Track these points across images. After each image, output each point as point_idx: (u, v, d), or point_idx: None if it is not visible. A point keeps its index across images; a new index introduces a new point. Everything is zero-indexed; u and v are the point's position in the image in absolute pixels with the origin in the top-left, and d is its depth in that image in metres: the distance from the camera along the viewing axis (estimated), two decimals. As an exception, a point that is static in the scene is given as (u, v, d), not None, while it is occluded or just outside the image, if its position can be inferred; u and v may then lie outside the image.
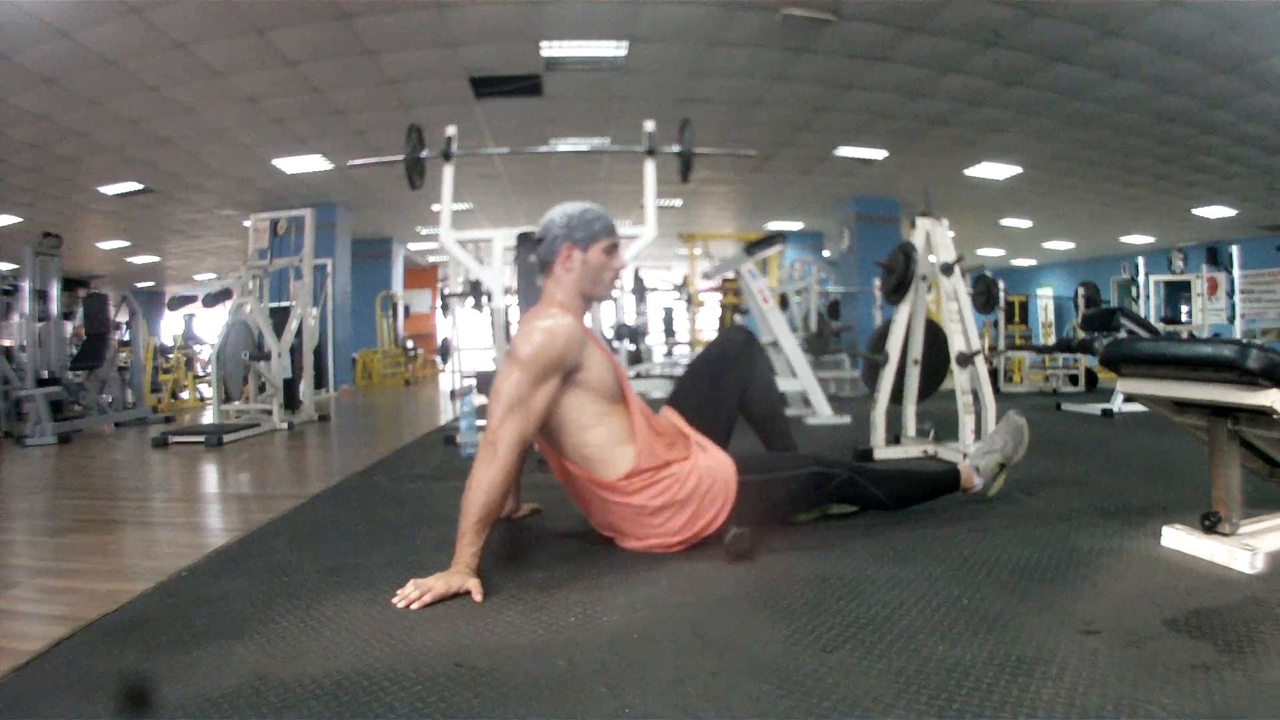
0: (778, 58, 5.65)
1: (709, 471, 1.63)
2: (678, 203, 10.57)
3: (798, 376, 4.52)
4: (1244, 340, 1.52)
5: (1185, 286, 9.58)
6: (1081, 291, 6.43)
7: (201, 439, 4.02)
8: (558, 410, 1.55)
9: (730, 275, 6.16)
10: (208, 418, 5.67)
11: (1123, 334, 4.55)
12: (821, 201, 10.44)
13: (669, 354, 10.23)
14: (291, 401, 5.09)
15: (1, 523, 2.38)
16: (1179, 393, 1.55)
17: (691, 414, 1.84)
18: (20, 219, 9.02)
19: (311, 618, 1.30)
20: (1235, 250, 8.19)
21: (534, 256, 1.69)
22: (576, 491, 1.69)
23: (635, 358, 7.96)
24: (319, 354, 6.14)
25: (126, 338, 5.92)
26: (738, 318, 8.21)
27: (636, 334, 8.47)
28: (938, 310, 5.02)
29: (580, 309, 1.66)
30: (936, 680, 1.00)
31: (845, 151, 8.06)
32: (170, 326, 13.81)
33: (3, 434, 4.61)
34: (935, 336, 3.18)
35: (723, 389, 1.91)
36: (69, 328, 5.55)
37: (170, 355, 8.81)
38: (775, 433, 2.02)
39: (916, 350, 3.10)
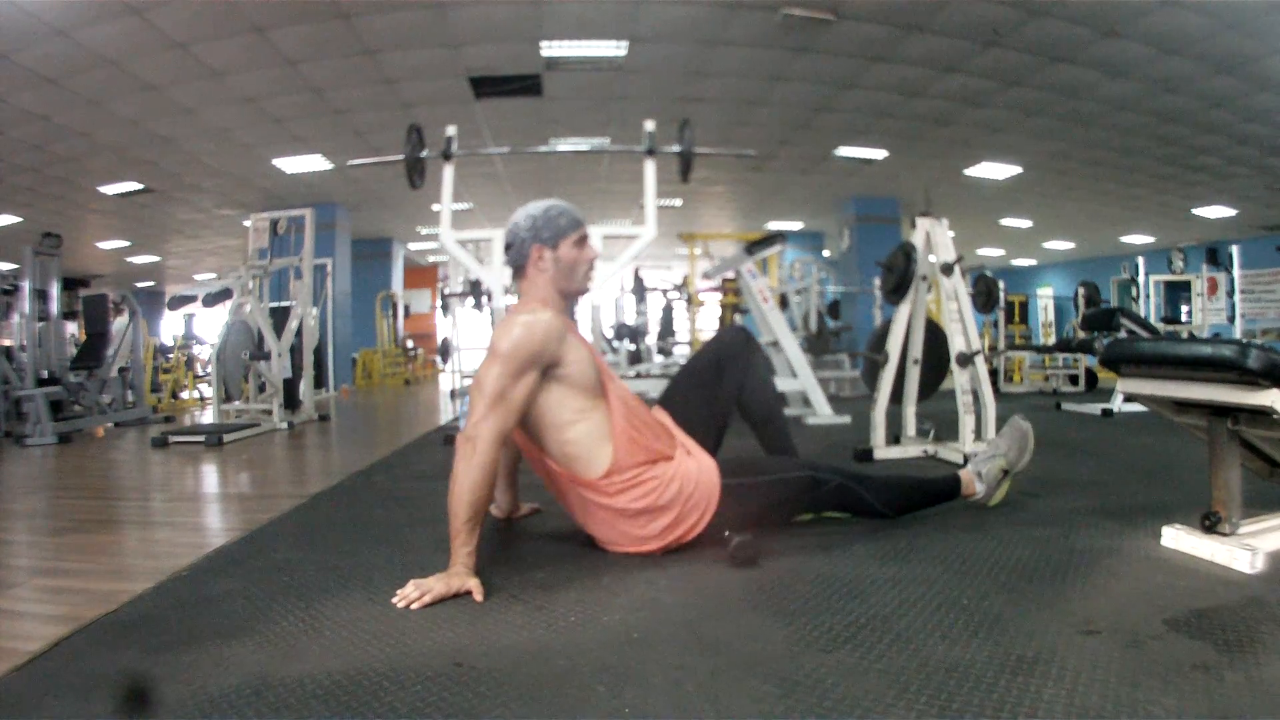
0: (778, 58, 5.65)
1: (691, 475, 1.60)
2: (678, 203, 10.57)
3: (798, 376, 4.52)
4: (1244, 340, 1.52)
5: (1185, 286, 9.60)
6: (1081, 291, 6.43)
7: (201, 439, 4.02)
8: (539, 406, 1.54)
9: (730, 275, 6.16)
10: (208, 418, 5.67)
11: (1123, 334, 4.55)
12: (821, 201, 10.44)
13: (667, 354, 10.22)
14: (291, 401, 5.09)
15: (1, 523, 2.38)
16: (1179, 393, 1.54)
17: (681, 414, 1.80)
18: (20, 219, 9.02)
19: (311, 617, 1.30)
20: (1235, 250, 8.20)
21: (506, 262, 1.67)
22: (559, 490, 1.66)
23: (635, 358, 7.96)
24: (319, 354, 6.14)
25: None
26: (738, 317, 8.20)
27: (636, 334, 8.47)
28: (938, 310, 5.02)
29: (560, 305, 1.64)
30: (936, 680, 1.00)
31: (845, 151, 8.06)
32: (170, 326, 13.81)
33: (3, 434, 4.61)
34: (935, 336, 3.18)
35: (716, 391, 1.86)
36: (69, 328, 5.55)
37: (170, 355, 8.82)
38: (774, 436, 1.98)
39: (916, 350, 3.10)
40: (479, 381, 1.49)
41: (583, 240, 1.65)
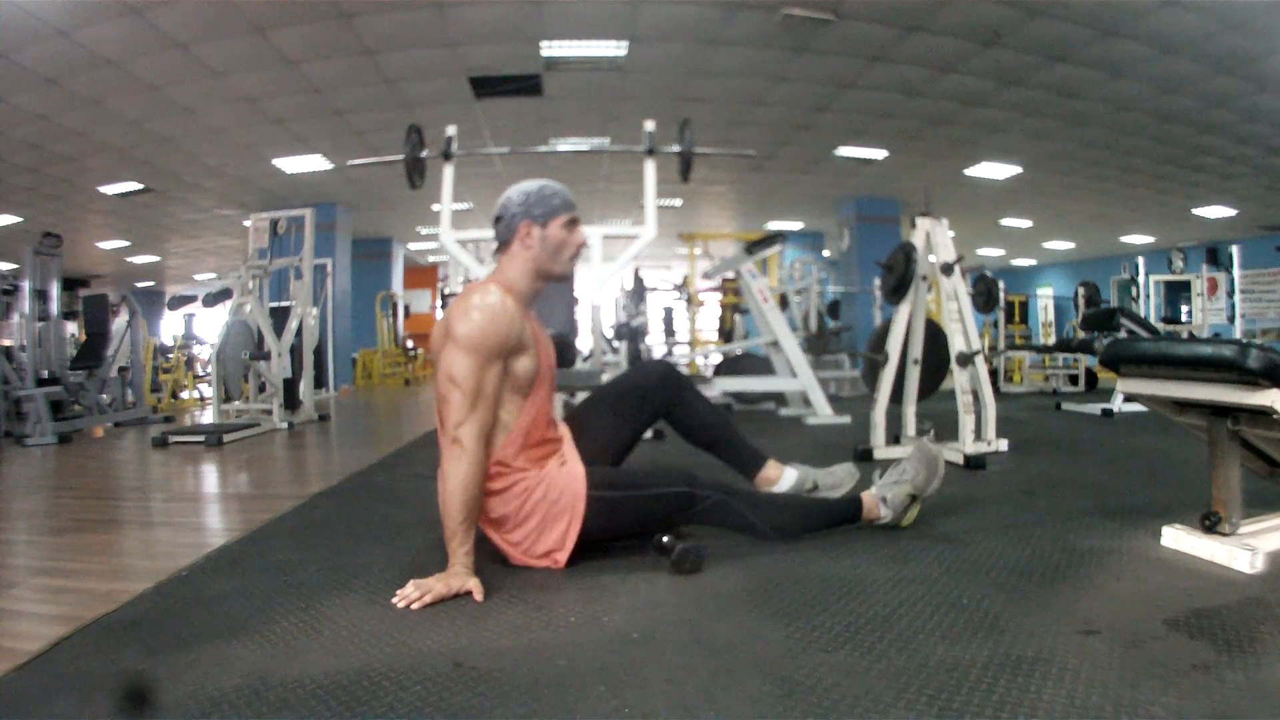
0: (778, 58, 5.65)
1: (557, 483, 1.55)
2: (678, 202, 10.57)
3: (798, 376, 4.53)
4: (1244, 340, 1.52)
5: (1185, 286, 9.59)
6: (1081, 291, 6.43)
7: (201, 439, 4.02)
8: None
9: (730, 275, 6.16)
10: (208, 418, 5.67)
11: (1123, 334, 4.55)
12: (821, 201, 10.44)
13: (668, 355, 10.22)
14: (291, 401, 5.09)
15: (1, 523, 2.38)
16: (1179, 393, 1.54)
17: (587, 432, 1.77)
18: (20, 219, 9.02)
19: (311, 617, 1.30)
20: (1235, 250, 8.20)
21: (494, 236, 1.65)
22: None
23: (635, 358, 7.95)
24: (319, 354, 6.14)
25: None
26: (738, 317, 8.20)
27: (636, 334, 8.46)
28: (938, 310, 5.02)
29: (533, 288, 1.62)
30: (936, 680, 1.00)
31: (845, 151, 8.06)
32: (170, 326, 13.81)
33: (3, 434, 4.61)
34: (935, 336, 3.18)
35: (625, 416, 1.85)
36: (69, 328, 5.55)
37: (170, 355, 8.82)
38: (732, 450, 1.94)
39: (916, 350, 3.10)
40: (449, 375, 1.45)
41: (574, 223, 1.63)
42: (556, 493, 1.55)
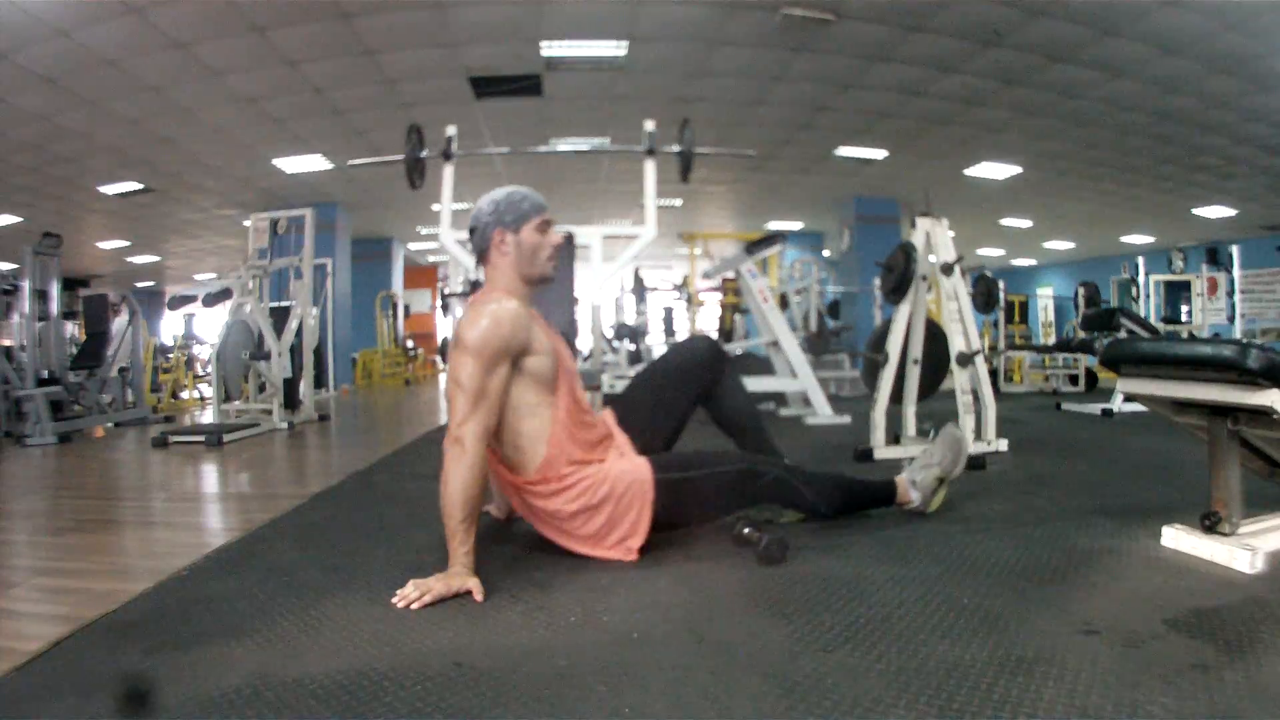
0: (778, 58, 5.65)
1: (624, 476, 1.58)
2: (678, 202, 10.57)
3: (798, 376, 4.52)
4: (1244, 340, 1.52)
5: (1185, 286, 9.58)
6: (1081, 291, 6.43)
7: (201, 439, 4.02)
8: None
9: (730, 275, 6.15)
10: (208, 418, 5.67)
11: (1123, 334, 4.55)
12: (821, 201, 10.44)
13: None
14: (291, 401, 5.08)
15: (1, 523, 2.38)
16: (1179, 393, 1.54)
17: (635, 415, 1.79)
18: (20, 219, 9.02)
19: (311, 618, 1.30)
20: (1235, 250, 8.19)
21: (470, 249, 1.67)
22: (508, 494, 1.66)
23: (635, 357, 7.96)
24: (319, 354, 6.13)
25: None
26: (738, 317, 8.21)
27: (636, 334, 8.47)
28: (938, 310, 5.02)
29: (524, 293, 1.64)
30: (936, 680, 1.00)
31: (845, 151, 8.06)
32: (170, 326, 13.80)
33: (3, 434, 4.61)
34: (935, 336, 3.17)
35: (678, 397, 1.85)
36: (69, 328, 5.53)
37: (170, 355, 8.82)
38: (755, 442, 1.96)
39: (916, 350, 3.10)
40: (454, 378, 1.48)
41: (545, 225, 1.65)
42: (624, 485, 1.57)
